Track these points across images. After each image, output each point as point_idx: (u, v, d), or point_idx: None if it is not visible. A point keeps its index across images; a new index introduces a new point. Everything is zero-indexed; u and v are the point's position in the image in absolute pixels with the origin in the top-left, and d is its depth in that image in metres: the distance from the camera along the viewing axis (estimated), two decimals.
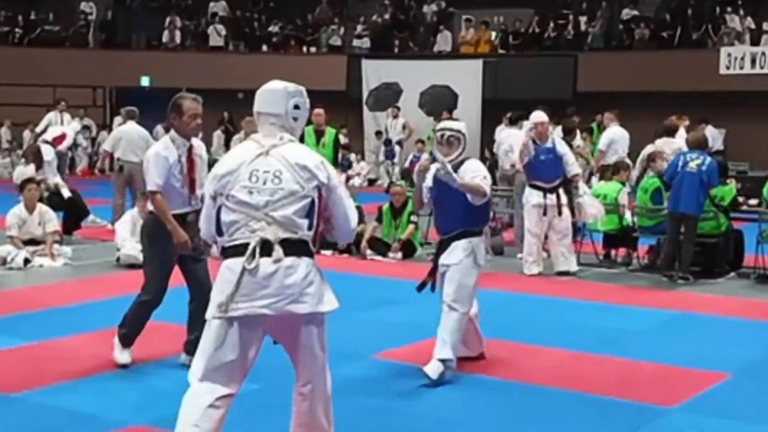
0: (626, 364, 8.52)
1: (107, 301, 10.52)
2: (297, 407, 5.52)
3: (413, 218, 14.25)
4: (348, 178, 20.21)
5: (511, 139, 15.51)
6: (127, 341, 7.99)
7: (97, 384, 7.43)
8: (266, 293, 5.12)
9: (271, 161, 5.29)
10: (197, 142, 7.98)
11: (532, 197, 12.99)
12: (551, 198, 12.86)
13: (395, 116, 26.90)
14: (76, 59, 31.59)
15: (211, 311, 5.25)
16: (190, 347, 8.01)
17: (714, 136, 21.43)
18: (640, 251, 13.96)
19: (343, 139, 27.08)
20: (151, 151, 7.85)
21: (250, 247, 5.12)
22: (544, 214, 12.88)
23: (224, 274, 5.21)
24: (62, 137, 18.48)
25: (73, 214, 15.14)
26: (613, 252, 14.11)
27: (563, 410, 7.12)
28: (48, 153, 17.58)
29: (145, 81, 31.56)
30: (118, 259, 12.84)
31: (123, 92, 31.84)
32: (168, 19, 33.34)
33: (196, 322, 8.01)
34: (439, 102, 27.14)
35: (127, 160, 15.95)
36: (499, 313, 10.58)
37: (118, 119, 27.73)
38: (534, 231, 13.01)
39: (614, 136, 17.05)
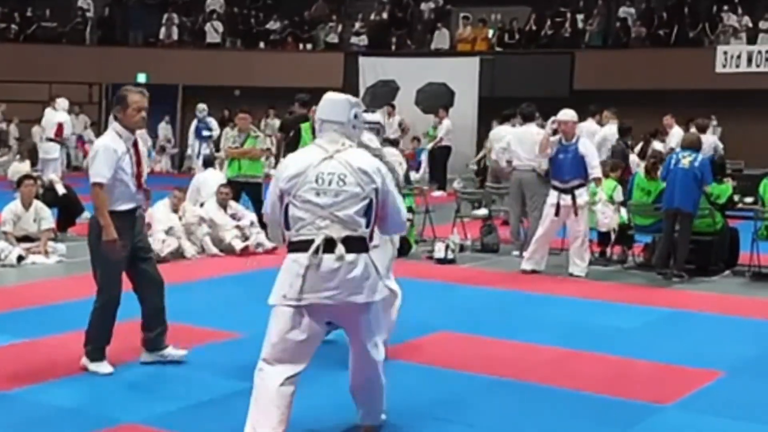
0: (620, 361, 8.50)
1: None
2: (353, 367, 6.16)
3: (408, 215, 14.18)
4: None
5: (508, 137, 15.48)
6: (99, 355, 7.67)
7: (88, 381, 7.40)
8: (330, 286, 5.72)
9: (335, 165, 5.80)
10: (143, 136, 7.96)
11: (550, 197, 12.87)
12: (565, 199, 12.64)
13: (390, 114, 26.86)
14: (72, 56, 31.56)
15: (276, 299, 5.80)
16: (150, 345, 7.95)
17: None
18: (635, 249, 13.95)
19: None
20: (99, 142, 7.75)
21: (315, 245, 5.70)
22: (556, 214, 12.69)
23: (291, 267, 5.77)
24: (60, 128, 18.54)
25: (67, 211, 15.10)
26: (608, 250, 14.10)
27: (557, 408, 7.10)
28: (54, 150, 17.71)
29: (141, 78, 31.47)
30: None
31: (118, 89, 31.75)
32: (165, 16, 33.34)
33: (154, 320, 7.94)
34: (436, 99, 27.20)
35: None
36: (492, 311, 10.59)
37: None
38: (542, 230, 12.93)
39: (608, 134, 17.04)
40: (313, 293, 5.72)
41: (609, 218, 13.04)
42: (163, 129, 31.13)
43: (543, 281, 12.40)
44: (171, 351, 7.98)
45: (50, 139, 18.29)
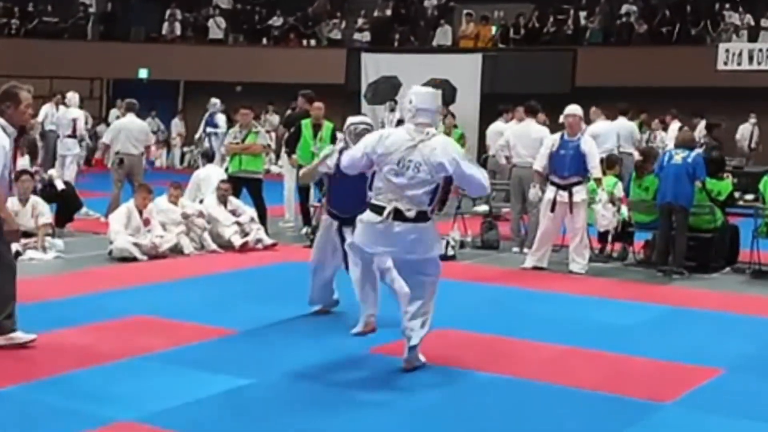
0: (620, 359, 8.47)
1: (98, 295, 10.47)
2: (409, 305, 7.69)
3: None
4: None
5: (507, 134, 15.46)
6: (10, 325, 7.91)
7: (84, 379, 7.34)
8: (390, 243, 7.45)
9: (416, 154, 7.40)
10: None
11: (546, 192, 12.85)
12: (562, 195, 12.62)
13: (392, 110, 26.82)
14: (73, 51, 31.53)
15: (356, 239, 7.61)
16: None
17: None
18: (635, 246, 13.90)
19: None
20: None
21: (386, 212, 7.41)
22: (552, 210, 12.70)
23: (366, 222, 7.56)
24: (75, 124, 18.75)
25: (66, 206, 15.07)
26: (608, 247, 14.05)
27: (556, 406, 7.07)
28: (74, 146, 17.99)
29: (143, 73, 31.49)
30: (110, 253, 12.76)
31: (119, 84, 31.80)
32: (168, 12, 33.32)
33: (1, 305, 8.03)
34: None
35: (127, 152, 16.09)
36: (491, 308, 10.55)
37: (114, 112, 27.72)
38: (541, 227, 12.91)
39: (597, 130, 17.06)
40: (380, 246, 7.45)
41: (608, 220, 13.01)
42: (176, 125, 31.13)
43: (543, 278, 12.36)
44: (20, 335, 8.03)
45: (68, 136, 18.53)
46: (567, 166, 12.60)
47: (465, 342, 8.89)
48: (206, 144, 23.16)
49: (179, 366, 7.77)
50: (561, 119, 13.12)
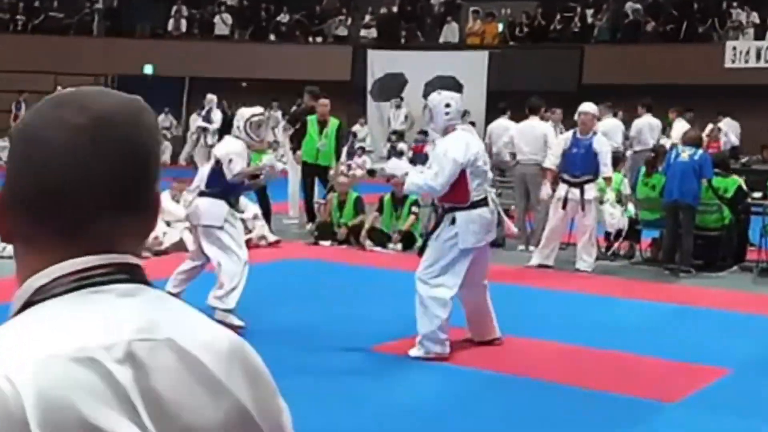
0: (626, 358, 8.40)
1: None
2: (474, 298, 8.32)
3: (414, 209, 14.05)
4: (349, 167, 20.16)
5: (511, 131, 15.39)
6: None
7: None
8: (492, 227, 8.34)
9: (480, 147, 8.39)
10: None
11: (558, 190, 12.80)
12: (574, 193, 12.56)
13: (398, 106, 26.82)
14: (79, 47, 31.50)
15: (468, 243, 7.94)
16: None
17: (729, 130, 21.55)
18: (642, 244, 13.83)
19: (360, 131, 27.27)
20: None
21: (491, 200, 8.26)
22: (563, 207, 12.62)
23: (476, 218, 8.04)
24: None
25: None
26: (615, 245, 13.96)
27: (561, 405, 7.01)
28: None
29: (148, 69, 31.45)
30: None
31: (124, 81, 31.74)
32: (174, 8, 33.31)
33: None
34: None
35: None
36: (496, 306, 10.42)
37: None
38: (550, 224, 12.85)
39: (602, 128, 17.02)
40: (488, 234, 8.24)
41: (617, 219, 12.95)
42: (195, 121, 31.04)
43: (549, 276, 12.29)
44: None
45: None
46: (579, 165, 12.53)
47: (468, 340, 8.81)
48: (202, 140, 23.19)
49: None
50: (575, 116, 13.07)
